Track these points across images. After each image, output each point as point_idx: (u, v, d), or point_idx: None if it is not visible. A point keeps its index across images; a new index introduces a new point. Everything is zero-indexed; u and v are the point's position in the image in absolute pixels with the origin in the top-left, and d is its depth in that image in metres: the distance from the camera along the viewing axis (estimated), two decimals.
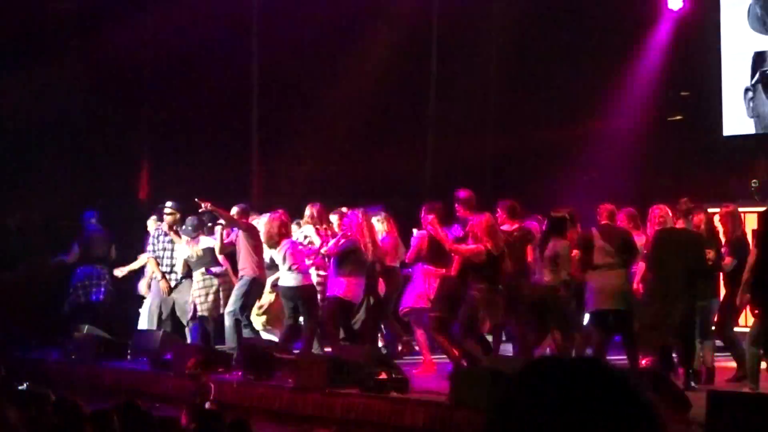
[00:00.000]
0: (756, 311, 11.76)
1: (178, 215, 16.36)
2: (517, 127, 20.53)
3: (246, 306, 15.17)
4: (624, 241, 12.82)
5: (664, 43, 19.48)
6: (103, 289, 17.42)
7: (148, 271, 16.77)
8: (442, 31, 20.80)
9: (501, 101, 21.17)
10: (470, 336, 13.05)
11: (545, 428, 1.81)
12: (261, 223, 15.29)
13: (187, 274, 16.19)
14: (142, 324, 16.62)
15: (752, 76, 17.86)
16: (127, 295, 17.30)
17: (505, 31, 20.90)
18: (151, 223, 16.87)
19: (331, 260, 14.72)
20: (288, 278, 14.43)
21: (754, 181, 15.99)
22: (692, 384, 12.09)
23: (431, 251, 14.03)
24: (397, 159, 20.60)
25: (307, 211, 15.53)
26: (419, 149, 20.98)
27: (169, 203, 16.45)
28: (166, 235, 16.44)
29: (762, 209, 13.60)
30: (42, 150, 19.39)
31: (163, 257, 16.49)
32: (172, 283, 16.44)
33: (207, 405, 11.42)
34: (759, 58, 17.84)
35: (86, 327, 16.51)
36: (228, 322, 15.08)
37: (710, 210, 15.27)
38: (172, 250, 16.42)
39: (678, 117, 19.41)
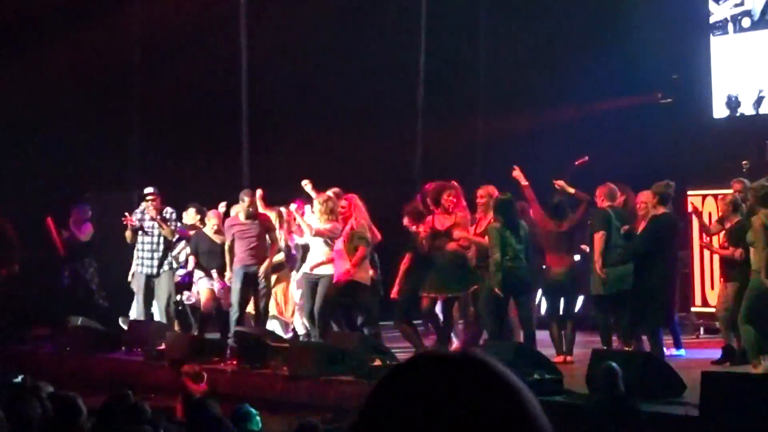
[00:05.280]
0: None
1: (159, 199, 16.01)
2: (506, 110, 20.55)
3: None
4: None
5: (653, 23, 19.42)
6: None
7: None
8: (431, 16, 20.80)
9: (489, 83, 21.22)
10: None
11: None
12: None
13: None
14: (133, 314, 16.53)
15: None
16: (121, 286, 17.16)
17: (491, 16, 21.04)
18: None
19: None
20: None
21: (744, 162, 15.97)
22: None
23: None
24: (386, 146, 20.57)
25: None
26: (409, 137, 20.94)
27: (148, 188, 16.09)
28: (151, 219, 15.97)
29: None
30: (29, 144, 19.30)
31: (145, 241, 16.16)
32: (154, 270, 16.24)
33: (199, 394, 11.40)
34: None
35: (80, 318, 16.45)
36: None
37: (698, 192, 15.33)
38: (160, 235, 16.10)
39: (669, 100, 19.36)
